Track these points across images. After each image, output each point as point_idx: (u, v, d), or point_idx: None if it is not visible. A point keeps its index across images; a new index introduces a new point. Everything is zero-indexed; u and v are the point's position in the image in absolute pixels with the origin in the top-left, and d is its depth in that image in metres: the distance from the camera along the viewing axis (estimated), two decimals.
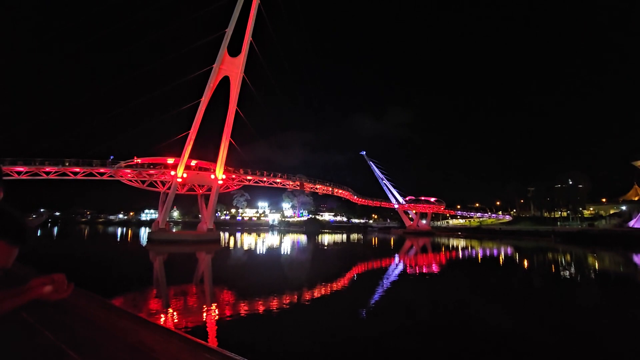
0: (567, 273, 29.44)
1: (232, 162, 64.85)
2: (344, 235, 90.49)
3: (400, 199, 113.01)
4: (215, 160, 60.25)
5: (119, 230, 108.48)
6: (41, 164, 52.93)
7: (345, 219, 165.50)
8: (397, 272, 29.05)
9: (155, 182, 61.14)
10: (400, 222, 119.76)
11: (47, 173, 53.84)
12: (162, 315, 13.60)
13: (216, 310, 14.85)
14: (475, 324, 13.54)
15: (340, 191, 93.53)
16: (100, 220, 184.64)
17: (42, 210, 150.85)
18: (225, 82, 58.85)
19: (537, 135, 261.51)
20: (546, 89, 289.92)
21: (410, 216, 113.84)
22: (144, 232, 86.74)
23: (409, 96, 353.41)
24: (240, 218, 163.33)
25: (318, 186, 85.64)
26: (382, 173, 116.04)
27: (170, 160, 58.31)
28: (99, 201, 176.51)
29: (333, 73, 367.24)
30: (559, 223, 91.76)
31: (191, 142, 56.39)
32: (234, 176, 65.69)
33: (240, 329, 12.28)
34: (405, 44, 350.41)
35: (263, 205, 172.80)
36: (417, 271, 29.47)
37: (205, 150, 63.09)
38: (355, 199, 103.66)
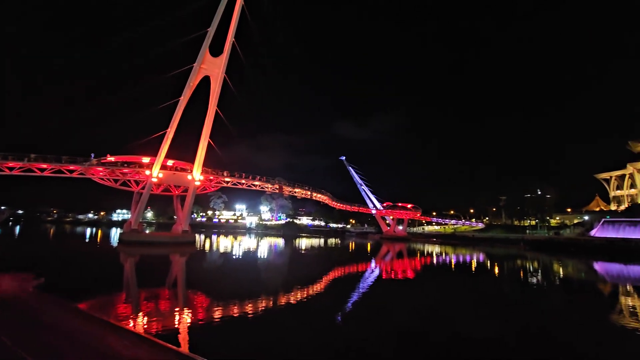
0: (534, 280, 30.66)
1: (211, 163, 63.74)
2: (322, 240, 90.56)
3: (378, 205, 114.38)
4: (192, 161, 59.01)
5: (88, 230, 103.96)
6: (4, 159, 50.02)
7: (323, 224, 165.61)
8: (373, 277, 29.35)
9: (129, 181, 59.14)
10: (378, 228, 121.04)
11: (11, 169, 50.96)
12: (131, 320, 13.13)
13: (189, 315, 14.50)
14: (448, 329, 13.88)
15: (319, 195, 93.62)
16: (68, 219, 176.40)
17: (2, 208, 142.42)
18: (205, 82, 57.94)
19: (509, 147, 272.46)
20: (516, 106, 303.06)
21: (387, 222, 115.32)
22: (115, 233, 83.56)
23: (391, 104, 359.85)
24: (216, 220, 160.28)
25: (297, 190, 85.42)
26: (361, 179, 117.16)
27: (146, 159, 56.62)
28: (68, 199, 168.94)
29: (316, 77, 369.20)
30: (528, 231, 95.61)
31: (168, 142, 55.02)
32: (211, 177, 64.52)
33: (214, 334, 12.04)
34: (390, 53, 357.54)
35: (241, 207, 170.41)
36: (393, 277, 29.89)
37: (183, 151, 61.77)
38: (333, 203, 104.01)
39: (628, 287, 27.65)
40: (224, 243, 66.78)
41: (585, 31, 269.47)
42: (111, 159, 56.47)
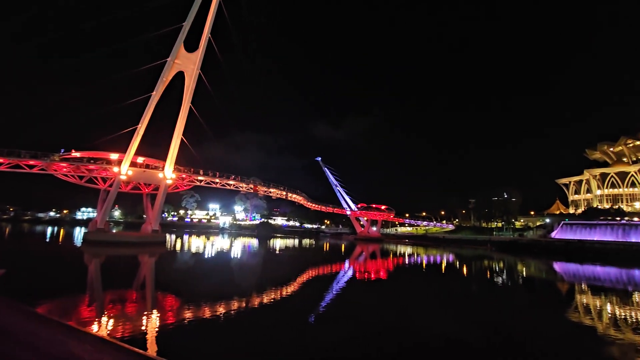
0: (499, 280, 32.07)
1: (183, 162, 62.06)
2: (296, 240, 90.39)
3: (353, 206, 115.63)
4: (164, 159, 57.23)
5: (49, 229, 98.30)
6: None
7: (298, 224, 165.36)
8: (346, 278, 29.64)
9: (96, 178, 56.54)
10: (352, 229, 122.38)
11: None
12: (95, 324, 12.59)
13: (158, 317, 14.07)
14: (418, 328, 14.27)
15: (294, 196, 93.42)
16: (27, 218, 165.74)
17: None
18: (180, 77, 56.40)
19: (479, 151, 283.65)
20: (487, 114, 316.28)
21: (361, 223, 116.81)
22: (79, 233, 79.57)
23: (366, 105, 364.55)
24: (189, 220, 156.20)
25: (272, 190, 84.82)
26: (337, 180, 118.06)
27: (114, 156, 54.29)
28: (27, 197, 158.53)
29: (294, 78, 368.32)
30: (494, 233, 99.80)
31: (139, 138, 53.03)
32: (184, 176, 62.85)
33: (183, 337, 11.75)
34: (367, 54, 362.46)
35: (214, 207, 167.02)
36: (366, 277, 30.31)
37: (155, 148, 59.73)
38: (308, 204, 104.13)
39: (583, 285, 29.52)
40: (196, 243, 65.21)
41: (548, 39, 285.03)
42: (76, 154, 53.76)
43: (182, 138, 56.71)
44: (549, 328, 15.42)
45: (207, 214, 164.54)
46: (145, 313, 14.87)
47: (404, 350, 11.52)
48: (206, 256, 43.99)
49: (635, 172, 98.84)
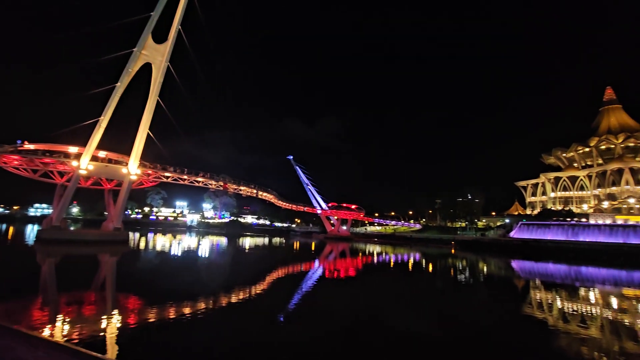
0: (462, 277, 33.52)
1: (149, 157, 59.62)
2: (266, 239, 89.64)
3: (324, 205, 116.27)
4: (129, 154, 54.69)
5: None
6: None
7: (268, 223, 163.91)
8: (316, 276, 29.79)
9: (52, 172, 53.05)
10: (322, 227, 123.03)
11: None
12: (48, 328, 11.85)
13: (119, 319, 13.46)
14: (387, 325, 14.64)
15: (265, 194, 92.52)
16: None
17: None
18: (147, 69, 54.07)
19: (445, 154, 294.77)
20: (452, 120, 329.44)
21: (331, 222, 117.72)
22: (31, 230, 74.34)
23: (339, 106, 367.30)
24: (154, 217, 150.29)
25: (242, 188, 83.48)
26: (308, 179, 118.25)
27: (73, 149, 51.15)
28: None
29: (266, 75, 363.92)
30: (458, 232, 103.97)
31: (101, 131, 50.26)
32: (150, 172, 60.37)
33: (145, 339, 11.37)
34: (341, 56, 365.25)
35: (181, 204, 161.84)
36: (336, 275, 30.65)
37: (119, 142, 56.90)
38: (279, 202, 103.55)
39: (537, 282, 31.52)
40: (161, 242, 62.97)
41: (510, 50, 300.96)
42: (30, 146, 50.13)
43: (148, 132, 54.42)
44: (505, 321, 16.36)
45: (174, 212, 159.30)
46: (105, 315, 14.17)
47: (372, 346, 11.79)
48: (172, 255, 42.58)
49: (584, 177, 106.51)
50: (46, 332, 11.13)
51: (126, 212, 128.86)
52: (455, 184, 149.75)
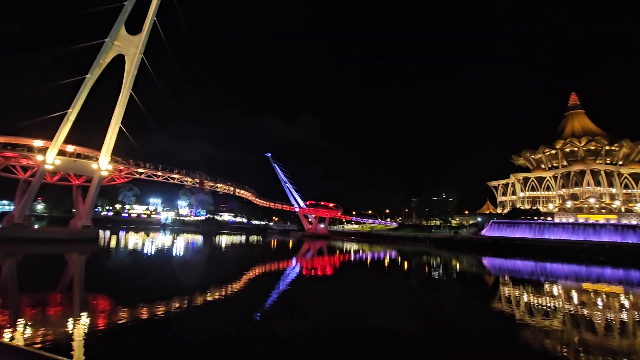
0: (436, 273, 34.50)
1: (122, 152, 57.51)
2: (243, 237, 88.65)
3: (302, 203, 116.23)
4: (100, 148, 52.53)
5: None
6: None
7: (245, 220, 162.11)
8: (293, 274, 29.80)
9: (14, 167, 50.17)
10: (300, 225, 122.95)
11: None
12: (8, 331, 11.27)
13: (87, 321, 12.96)
14: (364, 321, 14.89)
15: (242, 192, 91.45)
16: None
17: None
18: (120, 61, 52.06)
19: (422, 154, 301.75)
20: (431, 123, 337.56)
21: (309, 220, 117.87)
22: None
23: (319, 106, 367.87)
24: (126, 215, 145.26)
25: (219, 185, 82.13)
26: (286, 176, 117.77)
27: (38, 143, 48.50)
28: None
29: (246, 71, 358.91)
30: (433, 230, 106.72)
31: (69, 124, 47.95)
32: (122, 167, 58.24)
33: (115, 341, 11.02)
34: (316, 59, 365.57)
35: (155, 201, 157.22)
36: (313, 273, 30.76)
37: (89, 137, 54.59)
38: (257, 200, 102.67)
39: (506, 277, 32.94)
40: (133, 240, 60.98)
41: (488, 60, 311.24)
42: None
43: (120, 127, 52.48)
44: (476, 315, 17.03)
45: (148, 209, 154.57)
46: (72, 317, 13.58)
47: (349, 341, 11.97)
48: (145, 254, 41.31)
49: (550, 177, 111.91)
50: (6, 336, 10.59)
51: (96, 209, 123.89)
52: (430, 184, 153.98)
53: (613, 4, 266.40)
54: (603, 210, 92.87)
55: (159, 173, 65.29)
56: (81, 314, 13.96)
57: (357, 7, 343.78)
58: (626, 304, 21.58)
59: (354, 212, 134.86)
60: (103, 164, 52.32)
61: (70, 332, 11.59)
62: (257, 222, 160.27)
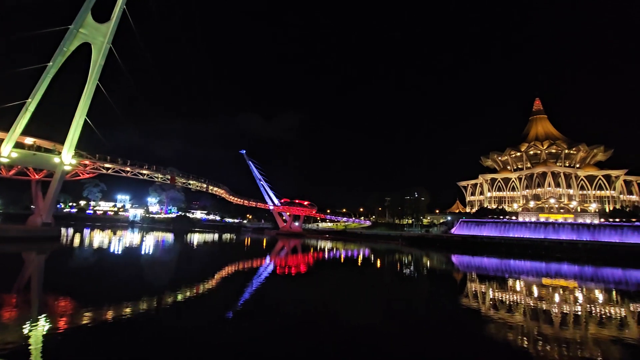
0: (407, 271, 35.40)
1: (87, 146, 54.83)
2: (216, 235, 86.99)
3: (276, 201, 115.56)
4: (63, 142, 49.78)
5: None
6: None
7: (218, 218, 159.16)
8: (267, 273, 29.60)
9: None
10: (274, 223, 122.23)
11: None
12: None
13: (45, 324, 12.23)
14: (337, 319, 15.04)
15: (215, 189, 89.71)
16: None
17: None
18: (87, 49, 49.49)
19: (395, 155, 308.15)
20: (401, 124, 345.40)
21: (284, 218, 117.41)
22: None
23: (297, 103, 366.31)
24: (91, 212, 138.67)
25: (191, 182, 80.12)
26: (261, 174, 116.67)
27: None
28: None
29: (221, 66, 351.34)
30: (405, 229, 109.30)
31: (28, 114, 45.11)
32: (87, 162, 55.52)
33: (76, 345, 10.52)
34: (299, 53, 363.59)
35: (123, 198, 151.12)
36: (287, 271, 30.69)
37: (51, 129, 51.70)
38: (230, 198, 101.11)
39: (472, 274, 34.31)
40: (99, 238, 58.32)
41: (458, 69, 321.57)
42: None
43: (86, 119, 49.97)
44: (444, 311, 17.65)
45: (115, 206, 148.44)
46: (29, 320, 12.75)
47: (322, 339, 12.06)
48: (111, 252, 39.60)
49: (515, 178, 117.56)
50: None
51: (58, 206, 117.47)
52: (403, 183, 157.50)
53: (577, 16, 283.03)
54: (562, 210, 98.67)
55: (128, 169, 62.84)
56: (39, 317, 13.15)
57: (336, 11, 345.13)
58: (580, 297, 23.07)
59: (328, 211, 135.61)
60: (66, 158, 49.64)
61: (27, 336, 10.92)
62: (230, 220, 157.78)
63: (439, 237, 79.25)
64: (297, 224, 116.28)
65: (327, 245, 70.78)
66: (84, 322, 12.64)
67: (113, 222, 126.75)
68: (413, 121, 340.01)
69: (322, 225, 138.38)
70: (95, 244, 48.17)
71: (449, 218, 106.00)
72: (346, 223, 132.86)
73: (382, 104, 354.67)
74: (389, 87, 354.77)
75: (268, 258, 41.96)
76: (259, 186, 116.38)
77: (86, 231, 74.04)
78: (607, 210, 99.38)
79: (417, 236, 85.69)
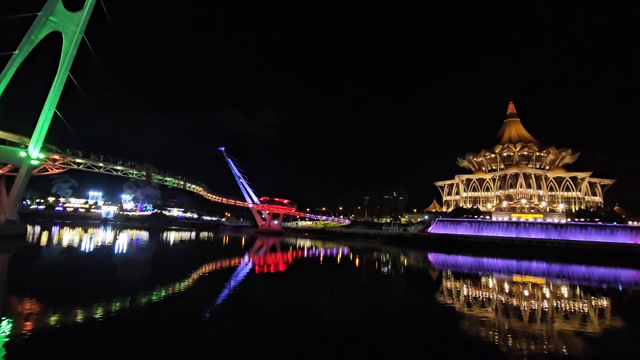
0: (385, 269, 35.94)
1: (58, 140, 52.42)
2: (193, 233, 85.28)
3: (255, 199, 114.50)
4: (30, 135, 47.37)
5: None
6: None
7: (196, 216, 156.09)
8: (245, 271, 29.30)
9: None
10: (253, 222, 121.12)
11: None
12: None
13: (8, 327, 11.65)
14: (315, 318, 15.09)
15: (193, 186, 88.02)
16: None
17: None
18: (58, 38, 47.23)
19: (375, 154, 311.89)
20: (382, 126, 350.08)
21: (263, 216, 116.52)
22: None
23: (279, 102, 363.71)
24: (60, 209, 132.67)
25: (168, 178, 78.21)
26: (240, 172, 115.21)
27: None
28: None
29: (201, 61, 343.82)
30: (384, 227, 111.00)
31: None
32: (56, 157, 53.05)
33: (45, 346, 10.09)
34: (280, 51, 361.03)
35: (96, 195, 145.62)
36: (265, 270, 30.49)
37: (17, 121, 49.10)
38: (209, 195, 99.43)
39: (448, 272, 35.26)
40: (68, 236, 55.91)
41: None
42: None
43: (55, 111, 47.75)
44: (420, 308, 18.07)
45: (87, 203, 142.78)
46: None
47: (301, 338, 12.08)
48: (81, 251, 38.04)
49: (490, 179, 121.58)
50: None
51: (24, 202, 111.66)
52: (382, 183, 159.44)
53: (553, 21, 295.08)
54: (532, 210, 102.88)
55: (101, 164, 60.57)
56: (1, 319, 12.49)
57: (318, 15, 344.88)
58: (547, 294, 24.16)
59: (308, 209, 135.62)
60: (33, 152, 47.27)
61: None
62: (208, 218, 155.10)
63: (417, 235, 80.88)
64: (276, 222, 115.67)
65: (306, 243, 70.81)
66: (50, 324, 12.12)
67: (84, 220, 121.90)
68: (393, 122, 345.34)
69: (301, 223, 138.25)
70: (65, 243, 46.16)
71: (426, 217, 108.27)
72: (325, 222, 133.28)
73: (362, 105, 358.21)
74: (370, 89, 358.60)
75: (246, 256, 41.55)
76: (238, 184, 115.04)
77: (55, 229, 70.83)
78: (574, 210, 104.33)
79: (395, 235, 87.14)
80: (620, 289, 29.37)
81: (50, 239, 51.15)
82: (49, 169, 56.12)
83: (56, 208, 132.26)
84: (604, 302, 21.65)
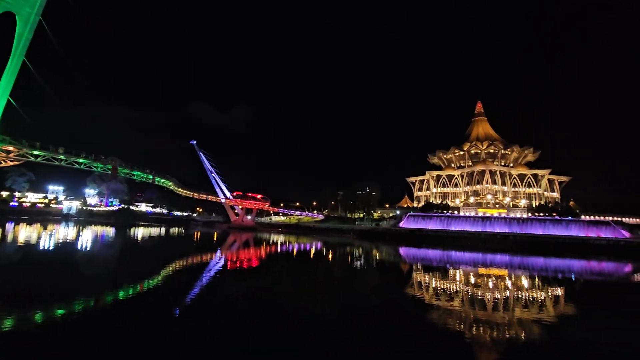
0: (357, 263, 36.56)
1: (12, 130, 48.96)
2: (163, 229, 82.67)
3: (228, 194, 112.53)
4: None
5: None
6: None
7: (166, 211, 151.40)
8: (216, 267, 28.82)
9: None
10: (226, 217, 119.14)
11: None
12: None
13: None
14: (288, 313, 15.12)
15: (162, 180, 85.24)
16: None
17: None
18: (12, 21, 43.93)
19: (349, 150, 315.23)
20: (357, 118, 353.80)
21: (236, 211, 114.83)
22: None
23: (253, 96, 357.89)
24: (16, 204, 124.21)
25: (136, 172, 75.25)
26: (212, 166, 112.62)
27: None
28: None
29: (172, 51, 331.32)
30: (357, 222, 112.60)
31: None
32: (10, 148, 49.60)
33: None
34: (257, 45, 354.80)
35: (56, 189, 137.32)
36: (237, 266, 30.15)
37: None
38: (179, 190, 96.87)
39: (418, 265, 36.40)
40: (25, 233, 52.52)
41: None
42: None
43: (9, 99, 44.56)
44: (391, 300, 18.58)
45: (46, 197, 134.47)
46: None
47: (274, 334, 12.08)
48: (40, 249, 35.83)
49: (458, 176, 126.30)
50: None
51: None
52: (356, 179, 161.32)
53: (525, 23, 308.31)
54: (497, 205, 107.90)
55: (61, 157, 57.26)
56: None
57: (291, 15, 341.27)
58: (509, 284, 25.54)
59: (282, 204, 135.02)
60: None
61: None
62: (179, 214, 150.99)
63: (388, 230, 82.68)
64: (249, 217, 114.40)
65: (280, 238, 70.58)
66: (4, 327, 11.42)
67: (43, 216, 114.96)
68: (367, 120, 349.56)
69: (275, 219, 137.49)
70: (21, 240, 43.33)
71: (398, 212, 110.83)
72: (299, 217, 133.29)
73: (337, 102, 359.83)
74: (342, 86, 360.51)
75: (219, 252, 40.88)
76: (210, 178, 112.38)
77: (9, 225, 66.28)
78: (534, 205, 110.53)
79: (368, 229, 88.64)
80: (573, 278, 31.57)
81: (4, 236, 47.85)
82: (3, 161, 52.42)
83: (11, 203, 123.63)
84: (559, 291, 23.19)
